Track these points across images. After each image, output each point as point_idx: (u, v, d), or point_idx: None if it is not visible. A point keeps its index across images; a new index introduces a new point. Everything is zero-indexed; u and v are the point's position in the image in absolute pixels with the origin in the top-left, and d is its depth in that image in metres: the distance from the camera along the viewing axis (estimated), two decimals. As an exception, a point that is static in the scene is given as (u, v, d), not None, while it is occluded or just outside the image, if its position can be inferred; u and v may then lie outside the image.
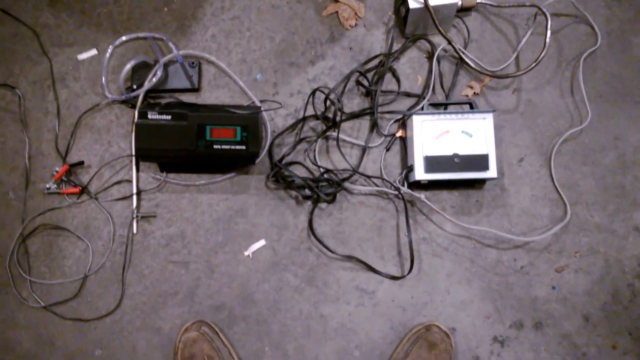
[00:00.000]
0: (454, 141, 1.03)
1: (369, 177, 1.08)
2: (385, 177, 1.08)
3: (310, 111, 1.10)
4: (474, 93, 1.12)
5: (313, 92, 1.08)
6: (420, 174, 1.03)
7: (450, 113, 1.04)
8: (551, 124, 1.10)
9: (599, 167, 1.09)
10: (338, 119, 1.07)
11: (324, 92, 1.07)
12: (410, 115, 1.05)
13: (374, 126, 1.10)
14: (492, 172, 1.03)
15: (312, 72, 1.13)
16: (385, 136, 1.11)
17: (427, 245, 1.07)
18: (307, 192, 1.06)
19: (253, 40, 1.14)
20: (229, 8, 1.15)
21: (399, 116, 1.11)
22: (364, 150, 1.09)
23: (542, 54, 1.05)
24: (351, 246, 1.07)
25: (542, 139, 1.10)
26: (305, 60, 1.13)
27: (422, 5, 1.04)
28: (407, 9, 1.05)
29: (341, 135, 1.10)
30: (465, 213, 1.08)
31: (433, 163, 1.03)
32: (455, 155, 1.03)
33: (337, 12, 1.14)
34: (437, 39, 1.12)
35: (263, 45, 1.14)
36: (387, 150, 1.10)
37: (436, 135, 1.04)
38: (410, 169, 1.05)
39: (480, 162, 1.02)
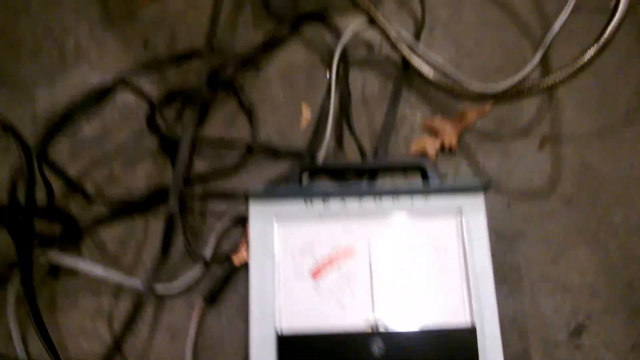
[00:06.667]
0: (368, 287, 0.34)
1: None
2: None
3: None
4: (442, 147, 0.44)
5: None
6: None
7: (365, 195, 0.35)
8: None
9: None
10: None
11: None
12: (250, 202, 0.36)
13: (168, 237, 0.41)
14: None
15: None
16: (206, 263, 0.40)
17: None
18: None
19: None
20: None
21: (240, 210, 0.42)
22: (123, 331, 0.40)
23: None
24: None
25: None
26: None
27: None
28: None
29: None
30: None
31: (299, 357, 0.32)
32: (375, 335, 0.32)
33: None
34: (348, 18, 0.47)
35: None
36: (210, 301, 0.40)
37: (315, 266, 0.34)
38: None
39: (454, 352, 0.32)
